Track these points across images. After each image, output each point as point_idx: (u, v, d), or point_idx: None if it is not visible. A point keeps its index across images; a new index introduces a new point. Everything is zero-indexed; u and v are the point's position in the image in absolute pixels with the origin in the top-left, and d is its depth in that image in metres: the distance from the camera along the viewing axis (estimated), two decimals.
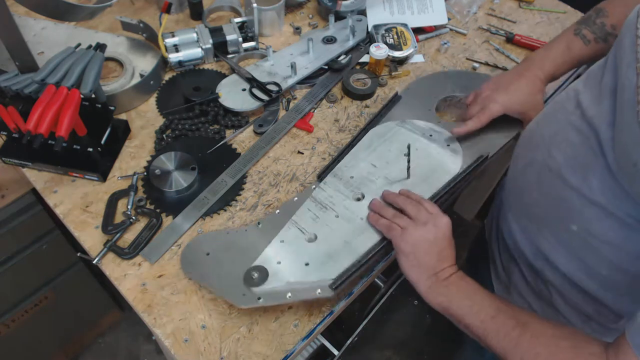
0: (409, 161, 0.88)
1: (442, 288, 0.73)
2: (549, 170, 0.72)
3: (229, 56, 1.16)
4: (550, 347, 0.61)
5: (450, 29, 1.27)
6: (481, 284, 1.04)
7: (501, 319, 0.66)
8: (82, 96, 0.85)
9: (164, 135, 1.02)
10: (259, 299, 0.77)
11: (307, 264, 0.81)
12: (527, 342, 0.62)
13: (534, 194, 0.77)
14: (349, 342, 1.52)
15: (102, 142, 0.95)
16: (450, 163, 0.94)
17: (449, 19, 1.26)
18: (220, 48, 1.15)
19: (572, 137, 0.68)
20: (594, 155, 0.64)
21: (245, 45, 1.16)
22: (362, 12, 1.24)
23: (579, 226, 0.69)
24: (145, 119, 1.05)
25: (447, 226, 0.78)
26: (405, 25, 1.20)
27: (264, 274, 0.79)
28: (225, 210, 0.92)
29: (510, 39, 1.25)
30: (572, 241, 0.71)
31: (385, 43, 1.15)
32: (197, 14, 1.24)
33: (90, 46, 0.94)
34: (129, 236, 0.88)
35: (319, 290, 0.78)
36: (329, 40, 1.17)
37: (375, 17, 1.22)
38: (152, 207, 0.91)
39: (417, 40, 1.21)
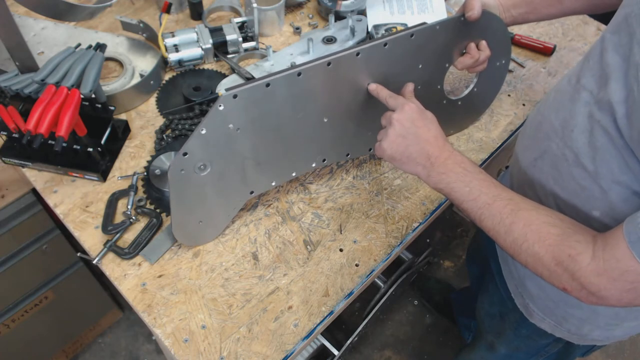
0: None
1: (439, 175, 0.72)
2: (565, 160, 0.72)
3: (229, 56, 1.16)
4: (540, 233, 0.63)
5: None
6: (493, 282, 1.04)
7: (497, 206, 0.67)
8: (82, 96, 0.85)
9: (164, 135, 1.02)
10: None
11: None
12: (519, 228, 0.65)
13: (549, 186, 0.76)
14: (349, 342, 1.52)
15: (102, 142, 0.95)
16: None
17: None
18: (220, 48, 1.15)
19: (584, 123, 0.68)
20: (609, 137, 0.64)
21: (245, 45, 1.16)
22: (362, 12, 1.24)
23: (601, 211, 0.69)
24: (145, 119, 1.05)
25: (411, 111, 0.75)
26: (405, 25, 1.19)
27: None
28: None
29: (510, 39, 1.24)
30: (593, 227, 0.70)
31: None
32: (197, 14, 1.24)
33: (90, 46, 0.94)
34: (129, 236, 0.88)
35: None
36: (329, 40, 1.17)
37: (375, 17, 1.22)
38: (152, 207, 0.91)
39: None
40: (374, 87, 0.83)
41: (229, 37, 1.14)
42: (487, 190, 0.69)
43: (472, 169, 0.71)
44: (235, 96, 0.73)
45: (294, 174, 0.90)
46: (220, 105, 0.72)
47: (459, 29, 0.88)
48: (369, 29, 1.20)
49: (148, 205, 0.91)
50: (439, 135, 0.74)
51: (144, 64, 1.11)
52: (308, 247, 0.90)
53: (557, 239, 0.62)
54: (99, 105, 0.94)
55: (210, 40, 1.13)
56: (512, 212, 0.66)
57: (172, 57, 1.11)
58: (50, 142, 0.88)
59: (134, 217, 0.88)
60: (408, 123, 0.74)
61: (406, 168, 0.76)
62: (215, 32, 1.14)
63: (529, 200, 0.68)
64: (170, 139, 1.01)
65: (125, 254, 0.85)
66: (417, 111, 0.75)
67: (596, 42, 0.71)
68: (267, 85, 0.75)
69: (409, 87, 0.82)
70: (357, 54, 0.79)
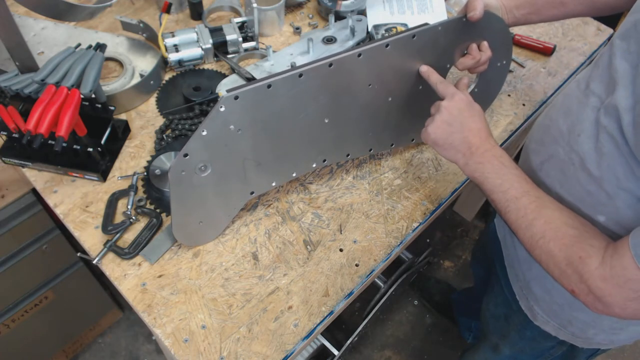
0: None
1: (476, 165, 0.75)
2: (571, 164, 0.72)
3: (229, 56, 1.16)
4: (558, 232, 0.65)
5: None
6: (498, 284, 1.04)
7: (524, 201, 0.70)
8: (82, 96, 0.85)
9: (164, 135, 1.02)
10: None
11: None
12: (539, 225, 0.67)
13: (555, 190, 0.77)
14: (349, 342, 1.52)
15: (102, 142, 0.95)
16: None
17: None
18: (220, 48, 1.15)
19: (591, 128, 0.68)
20: (615, 144, 0.64)
21: (245, 45, 1.16)
22: (362, 12, 1.24)
23: (606, 217, 0.70)
24: (145, 119, 1.05)
25: (460, 101, 0.78)
26: (405, 25, 1.20)
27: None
28: None
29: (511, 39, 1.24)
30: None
31: None
32: (197, 14, 1.24)
33: (90, 46, 0.94)
34: (129, 236, 0.88)
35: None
36: (329, 40, 1.16)
37: (375, 17, 1.22)
38: (152, 207, 0.91)
39: None
40: (425, 69, 0.86)
41: (229, 37, 1.14)
42: (518, 185, 0.71)
43: (509, 164, 0.74)
44: (236, 97, 0.73)
45: (294, 174, 0.90)
46: (221, 107, 0.72)
47: (461, 30, 0.88)
48: (369, 29, 1.20)
49: (148, 205, 0.91)
50: (483, 128, 0.77)
51: (144, 64, 1.11)
52: (308, 247, 0.90)
53: (573, 239, 0.64)
54: (99, 105, 0.94)
55: (210, 40, 1.13)
56: (536, 209, 0.68)
57: (172, 57, 1.11)
58: (50, 142, 0.88)
59: (134, 217, 0.88)
60: (456, 111, 0.77)
61: (446, 154, 0.79)
62: (215, 32, 1.14)
63: (556, 201, 0.70)
64: (170, 139, 1.01)
65: (125, 254, 0.85)
66: (467, 102, 0.78)
67: (606, 47, 0.71)
68: (269, 86, 0.75)
69: (464, 80, 0.85)
70: (359, 55, 0.79)
